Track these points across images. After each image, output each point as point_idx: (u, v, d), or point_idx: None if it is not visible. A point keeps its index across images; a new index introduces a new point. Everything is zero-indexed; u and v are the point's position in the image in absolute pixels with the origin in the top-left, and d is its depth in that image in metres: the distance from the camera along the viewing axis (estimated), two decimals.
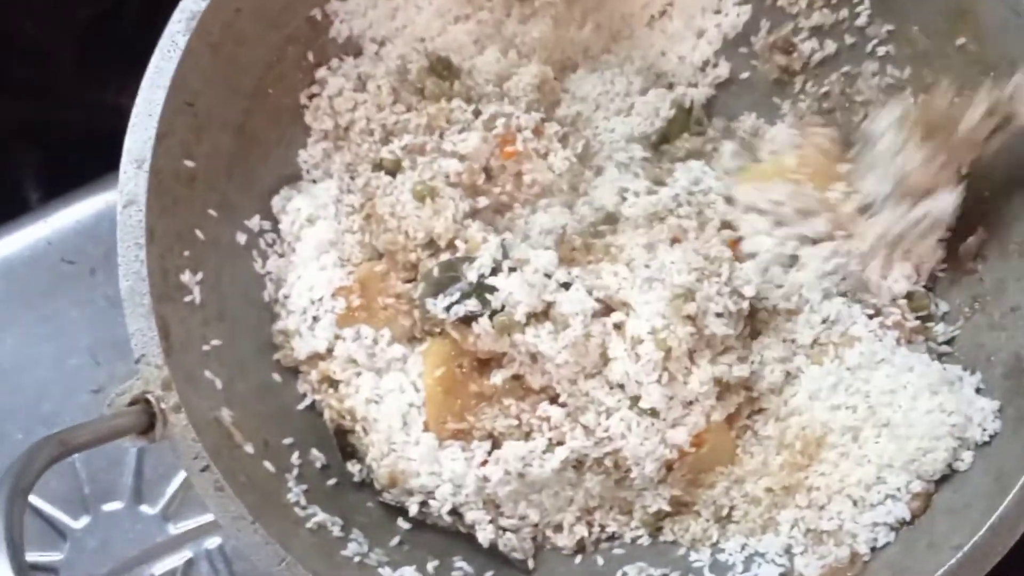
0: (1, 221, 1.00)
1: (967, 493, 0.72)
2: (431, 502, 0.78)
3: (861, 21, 0.86)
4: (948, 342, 0.82)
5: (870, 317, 0.80)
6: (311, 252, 0.82)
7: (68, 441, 0.64)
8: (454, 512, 0.78)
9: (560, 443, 0.78)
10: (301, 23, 0.84)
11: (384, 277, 0.81)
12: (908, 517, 0.75)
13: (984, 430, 0.75)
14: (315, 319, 0.80)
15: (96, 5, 1.14)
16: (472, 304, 0.76)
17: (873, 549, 0.75)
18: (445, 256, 0.80)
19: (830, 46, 0.87)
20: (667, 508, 0.80)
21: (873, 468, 0.76)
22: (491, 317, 0.76)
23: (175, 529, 0.95)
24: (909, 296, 0.82)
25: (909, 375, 0.78)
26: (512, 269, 0.77)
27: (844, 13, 0.86)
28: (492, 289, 0.76)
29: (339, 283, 0.81)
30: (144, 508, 0.96)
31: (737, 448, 0.80)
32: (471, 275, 0.76)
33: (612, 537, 0.81)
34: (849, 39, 0.87)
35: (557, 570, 0.80)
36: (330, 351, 0.81)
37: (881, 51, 0.85)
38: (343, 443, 0.81)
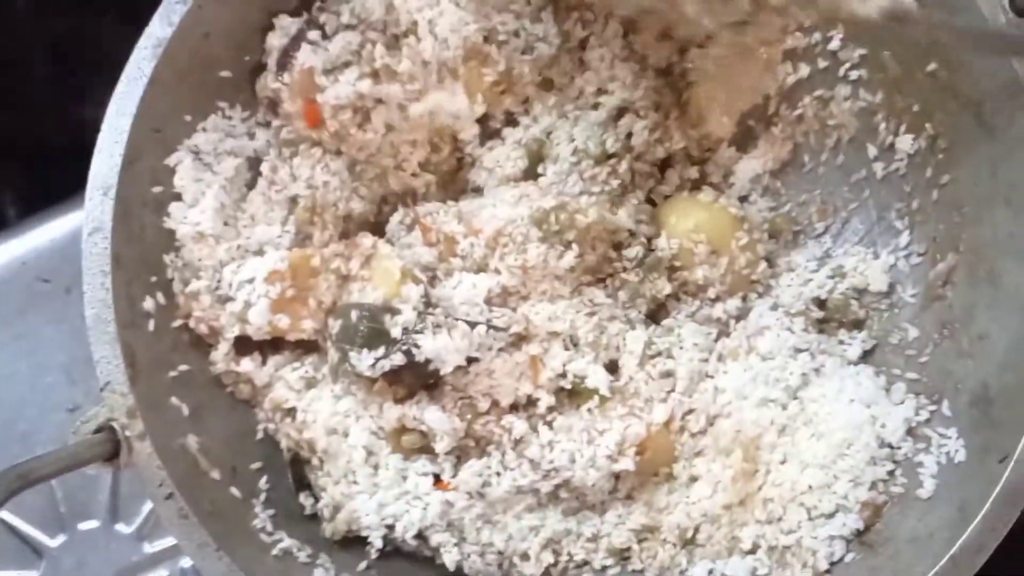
0: None
1: (931, 522, 0.72)
2: (395, 531, 0.77)
3: (834, 45, 0.85)
4: (917, 367, 0.82)
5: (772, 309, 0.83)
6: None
7: (27, 474, 0.64)
8: (419, 536, 0.78)
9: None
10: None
11: (315, 273, 0.80)
12: (861, 527, 0.76)
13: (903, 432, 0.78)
14: (247, 304, 0.78)
15: (73, 17, 1.14)
16: (398, 359, 0.75)
17: (832, 564, 0.76)
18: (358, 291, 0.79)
19: (803, 69, 0.87)
20: (634, 544, 0.80)
21: (813, 470, 0.77)
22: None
23: (151, 548, 0.96)
24: (820, 303, 0.85)
25: (824, 358, 0.81)
26: (438, 326, 0.76)
27: (817, 37, 0.85)
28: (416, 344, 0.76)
29: (274, 266, 0.78)
30: (120, 527, 0.96)
31: (675, 451, 0.81)
32: (395, 331, 0.76)
33: (580, 565, 0.81)
34: (822, 63, 0.86)
35: None
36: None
37: (854, 75, 0.85)
38: (297, 474, 0.80)
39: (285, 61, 0.80)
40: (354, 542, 0.79)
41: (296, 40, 0.80)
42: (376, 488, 0.78)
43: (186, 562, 0.96)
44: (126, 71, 0.76)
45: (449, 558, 0.78)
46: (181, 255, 0.79)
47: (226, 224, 0.81)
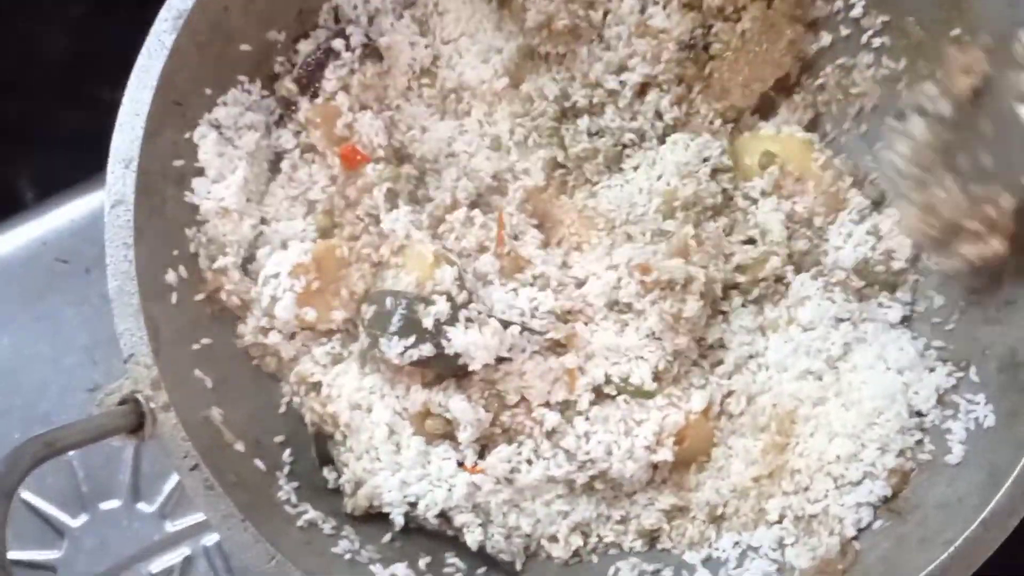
0: None
1: (960, 487, 0.71)
2: (416, 509, 0.78)
3: (856, 12, 0.84)
4: (943, 335, 0.81)
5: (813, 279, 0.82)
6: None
7: (54, 442, 0.64)
8: (442, 515, 0.78)
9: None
10: (291, 19, 0.84)
11: (343, 264, 0.80)
12: (889, 494, 0.76)
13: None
14: (273, 299, 0.78)
15: (89, 1, 1.14)
16: (427, 350, 0.75)
17: (860, 531, 0.75)
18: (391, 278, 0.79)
19: (825, 38, 0.86)
20: (664, 524, 0.80)
21: (842, 440, 0.77)
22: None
23: (172, 527, 0.96)
24: (859, 272, 0.83)
25: (866, 326, 0.80)
26: (470, 320, 0.76)
27: (839, 4, 0.85)
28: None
29: (297, 260, 0.78)
30: (141, 506, 0.96)
31: (714, 437, 0.81)
32: (427, 321, 0.75)
33: (609, 546, 0.81)
34: (844, 30, 0.86)
35: (549, 566, 0.80)
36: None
37: (876, 42, 0.84)
38: (321, 448, 0.80)
39: (310, 77, 0.81)
40: (376, 517, 0.79)
41: (324, 53, 0.82)
42: (399, 466, 0.78)
43: (208, 540, 0.95)
44: (147, 44, 0.76)
45: (472, 538, 0.78)
46: (204, 230, 0.79)
47: (249, 200, 0.81)
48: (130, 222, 0.74)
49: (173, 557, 0.95)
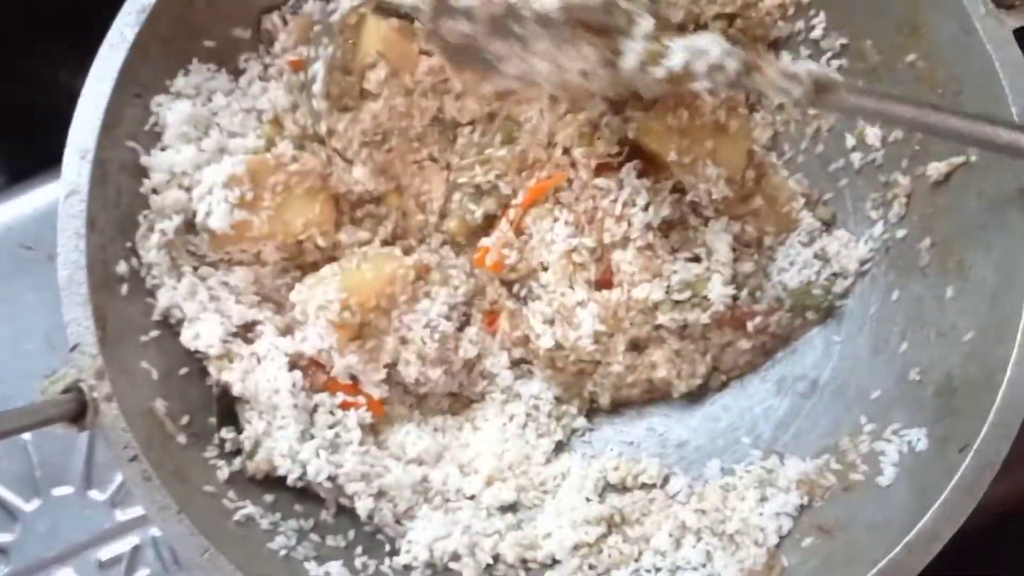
0: None
1: (889, 509, 0.72)
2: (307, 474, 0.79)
3: (816, 34, 0.85)
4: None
5: None
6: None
7: None
8: (332, 480, 0.79)
9: None
10: (254, 16, 0.84)
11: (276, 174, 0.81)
12: (805, 502, 0.78)
13: None
14: (207, 213, 0.78)
15: None
16: None
17: (782, 538, 0.77)
18: None
19: (785, 57, 0.87)
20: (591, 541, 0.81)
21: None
22: None
23: (123, 515, 0.96)
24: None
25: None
26: None
27: (800, 25, 0.86)
28: None
29: (231, 171, 0.79)
30: (93, 493, 0.97)
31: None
32: None
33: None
34: (804, 51, 0.86)
35: None
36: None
37: (835, 64, 0.85)
38: (225, 408, 0.81)
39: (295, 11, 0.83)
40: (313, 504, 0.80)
41: None
42: (297, 429, 0.79)
43: (156, 530, 0.96)
44: (108, 37, 0.77)
45: (361, 506, 0.79)
46: (153, 206, 0.79)
47: (195, 127, 0.81)
48: (83, 212, 0.74)
49: (122, 545, 0.95)
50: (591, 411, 0.90)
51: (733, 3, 0.83)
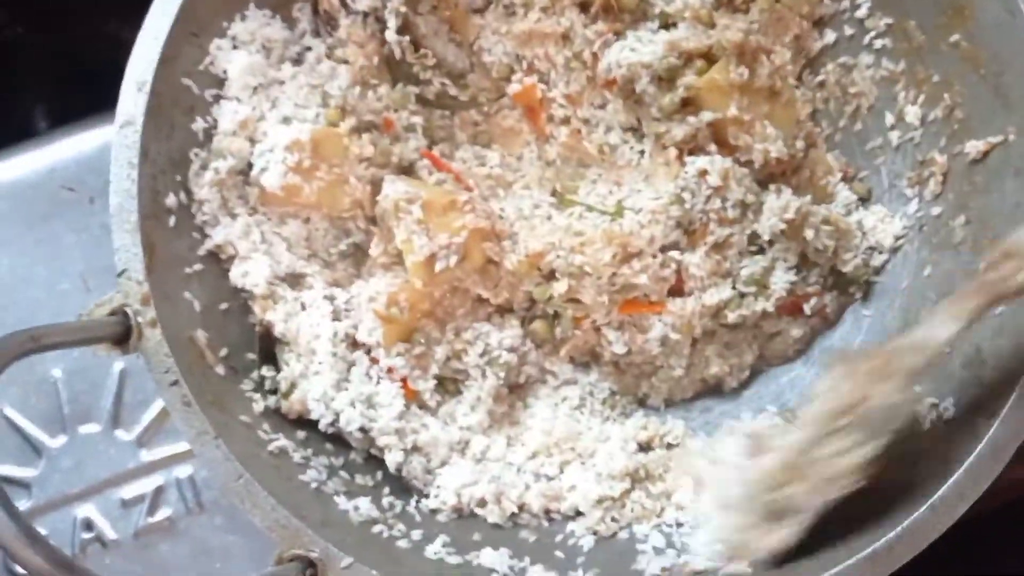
0: (9, 145, 1.02)
1: (916, 473, 0.73)
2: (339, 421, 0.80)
3: (861, 13, 0.87)
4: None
5: None
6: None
7: (39, 337, 0.66)
8: (365, 431, 0.80)
9: None
10: None
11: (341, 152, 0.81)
12: None
13: None
14: (263, 169, 0.80)
15: None
16: None
17: None
18: None
19: (830, 36, 0.88)
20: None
21: None
22: None
23: (148, 456, 0.97)
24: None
25: None
26: None
27: (846, 4, 0.87)
28: None
29: (295, 136, 0.80)
30: (120, 433, 0.98)
31: None
32: None
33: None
34: (848, 30, 0.88)
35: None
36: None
37: (878, 44, 0.86)
38: (265, 346, 0.82)
39: None
40: (344, 445, 0.82)
41: None
42: (333, 377, 0.80)
43: (181, 472, 0.97)
44: None
45: (391, 458, 0.80)
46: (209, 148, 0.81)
47: (256, 89, 0.82)
48: (136, 143, 0.76)
49: (146, 485, 0.97)
50: None
51: None
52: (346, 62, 0.84)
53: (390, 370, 0.81)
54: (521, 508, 0.81)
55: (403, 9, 0.84)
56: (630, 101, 0.86)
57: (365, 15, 0.85)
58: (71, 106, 1.08)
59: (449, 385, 0.84)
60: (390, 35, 0.84)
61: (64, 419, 0.98)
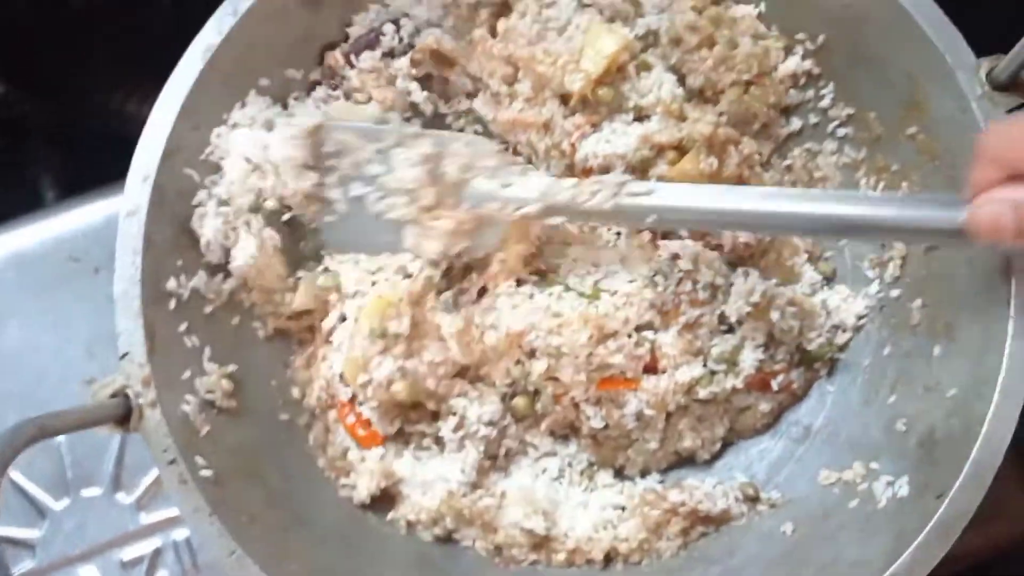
0: (18, 215, 1.07)
1: (870, 550, 0.77)
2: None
3: (825, 103, 0.92)
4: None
5: None
6: None
7: (47, 426, 0.70)
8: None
9: None
10: (311, 59, 0.91)
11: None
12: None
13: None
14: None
15: (128, 18, 1.21)
16: None
17: None
18: None
19: (796, 123, 0.93)
20: None
21: None
22: None
23: (147, 518, 1.01)
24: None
25: None
26: None
27: (810, 95, 0.92)
28: None
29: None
30: (120, 496, 1.01)
31: None
32: None
33: None
34: (813, 119, 0.93)
35: None
36: None
37: (841, 132, 0.91)
38: None
39: (357, 53, 0.89)
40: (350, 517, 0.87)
41: (375, 36, 0.90)
42: None
43: (178, 535, 1.00)
44: (176, 72, 0.83)
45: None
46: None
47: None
48: (141, 231, 0.80)
49: (145, 547, 1.00)
50: None
51: (750, 71, 0.90)
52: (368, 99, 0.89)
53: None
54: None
55: (415, 72, 0.90)
56: None
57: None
58: (77, 177, 1.12)
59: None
60: (417, 95, 0.90)
61: (67, 482, 1.01)
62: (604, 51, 0.85)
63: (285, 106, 0.91)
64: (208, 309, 0.86)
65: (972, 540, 0.75)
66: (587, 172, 0.89)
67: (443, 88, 0.93)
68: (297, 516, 0.84)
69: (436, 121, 0.92)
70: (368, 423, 0.87)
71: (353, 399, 0.87)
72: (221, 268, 0.86)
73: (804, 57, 0.91)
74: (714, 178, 0.88)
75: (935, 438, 0.79)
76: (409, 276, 0.85)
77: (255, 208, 0.85)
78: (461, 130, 0.92)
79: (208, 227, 0.84)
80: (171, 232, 0.83)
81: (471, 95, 0.93)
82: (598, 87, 0.87)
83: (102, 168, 1.02)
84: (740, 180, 0.90)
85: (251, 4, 0.84)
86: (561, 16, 0.86)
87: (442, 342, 0.84)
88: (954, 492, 0.74)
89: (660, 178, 0.87)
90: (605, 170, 0.88)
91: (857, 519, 0.80)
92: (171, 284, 0.83)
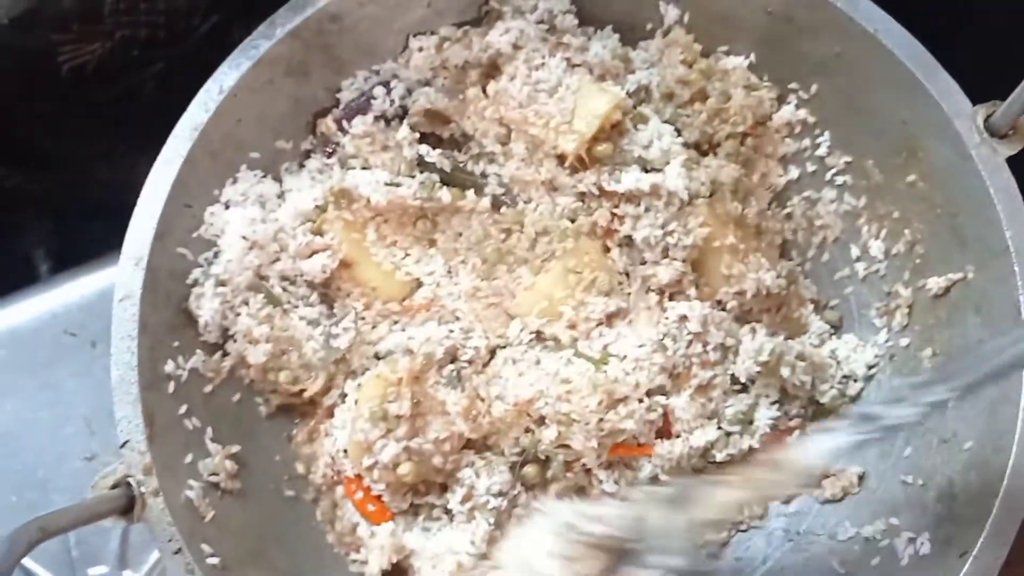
0: (10, 291, 1.06)
1: None
2: None
3: (821, 151, 0.91)
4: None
5: None
6: None
7: (48, 527, 0.68)
8: None
9: None
10: (300, 129, 0.90)
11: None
12: None
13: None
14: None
15: (115, 85, 1.21)
16: None
17: None
18: None
19: (793, 172, 0.92)
20: None
21: None
22: None
23: None
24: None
25: None
26: None
27: (806, 143, 0.91)
28: None
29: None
30: (128, 574, 1.00)
31: None
32: None
33: None
34: (811, 167, 0.92)
35: None
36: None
37: (839, 180, 0.91)
38: None
39: (349, 119, 0.89)
40: None
41: (366, 100, 0.89)
42: None
43: None
44: (164, 152, 0.82)
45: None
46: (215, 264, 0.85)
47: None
48: (135, 316, 0.79)
49: None
50: None
51: (744, 123, 0.89)
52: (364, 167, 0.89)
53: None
54: None
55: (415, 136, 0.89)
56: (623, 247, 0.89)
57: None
58: (71, 248, 1.11)
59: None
60: (432, 156, 0.89)
61: (73, 562, 1.00)
62: (596, 111, 0.84)
63: (278, 179, 0.90)
64: (208, 388, 0.85)
65: None
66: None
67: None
68: None
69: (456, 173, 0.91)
70: (377, 498, 0.85)
71: (360, 475, 0.86)
72: (219, 347, 0.85)
73: (798, 106, 0.90)
74: (739, 223, 0.87)
75: (954, 492, 0.78)
76: (410, 353, 0.84)
77: (253, 287, 0.84)
78: (484, 175, 0.91)
79: (206, 308, 0.83)
80: (166, 314, 0.82)
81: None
82: (595, 144, 0.86)
83: (95, 238, 1.01)
84: (758, 230, 0.90)
85: (237, 78, 0.83)
86: (551, 77, 0.85)
87: (446, 416, 0.83)
88: (977, 550, 0.72)
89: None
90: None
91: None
92: (169, 367, 0.82)
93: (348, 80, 0.90)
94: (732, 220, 0.87)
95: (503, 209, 0.90)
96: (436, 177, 0.88)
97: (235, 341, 0.84)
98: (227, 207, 0.86)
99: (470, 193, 0.89)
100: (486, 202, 0.89)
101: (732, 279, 0.87)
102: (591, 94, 0.85)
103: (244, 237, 0.83)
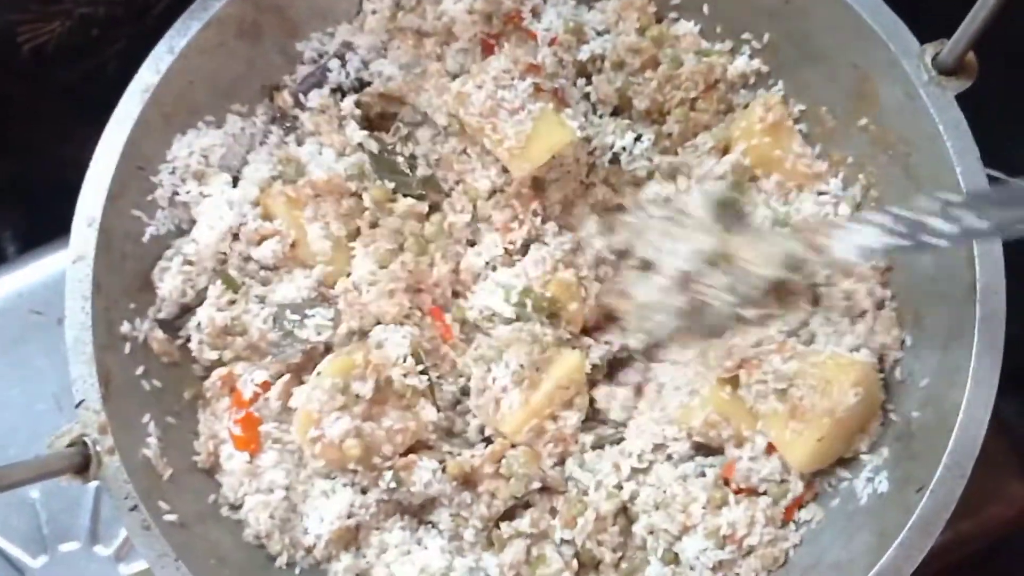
0: None
1: (854, 548, 0.75)
2: None
3: (775, 100, 0.90)
4: None
5: None
6: None
7: (2, 478, 0.68)
8: None
9: None
10: (254, 94, 0.90)
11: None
12: None
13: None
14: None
15: (78, 66, 1.21)
16: None
17: None
18: None
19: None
20: None
21: None
22: None
23: (127, 570, 0.99)
24: None
25: None
26: None
27: (762, 93, 0.91)
28: None
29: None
30: (99, 549, 1.00)
31: None
32: None
33: None
34: None
35: None
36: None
37: (797, 128, 0.90)
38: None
39: (306, 92, 0.89)
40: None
41: (322, 73, 0.90)
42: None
43: None
44: (115, 113, 0.83)
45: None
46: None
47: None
48: (89, 276, 0.79)
49: None
50: None
51: (696, 88, 0.89)
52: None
53: None
54: None
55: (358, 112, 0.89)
56: None
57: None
58: (38, 230, 1.11)
59: None
60: (356, 135, 0.89)
61: (44, 539, 1.00)
62: (551, 146, 0.84)
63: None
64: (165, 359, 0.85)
65: (969, 528, 0.74)
66: None
67: (381, 121, 0.92)
68: (269, 555, 0.82)
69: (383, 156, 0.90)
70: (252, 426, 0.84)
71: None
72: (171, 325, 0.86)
73: (752, 56, 0.90)
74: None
75: (911, 430, 0.78)
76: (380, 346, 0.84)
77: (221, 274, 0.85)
78: (412, 156, 0.90)
79: (167, 283, 0.83)
80: (122, 276, 0.83)
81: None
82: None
83: (61, 219, 1.00)
84: None
85: (188, 40, 0.83)
86: (515, 100, 0.84)
87: (404, 411, 0.83)
88: (934, 484, 0.72)
89: None
90: None
91: (839, 518, 0.78)
92: (125, 328, 0.82)
93: (302, 43, 0.90)
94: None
95: (431, 217, 0.90)
96: (365, 158, 0.89)
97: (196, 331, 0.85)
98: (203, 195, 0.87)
99: (401, 198, 0.89)
100: (406, 204, 0.88)
101: None
102: (551, 126, 0.84)
103: (222, 218, 0.85)
